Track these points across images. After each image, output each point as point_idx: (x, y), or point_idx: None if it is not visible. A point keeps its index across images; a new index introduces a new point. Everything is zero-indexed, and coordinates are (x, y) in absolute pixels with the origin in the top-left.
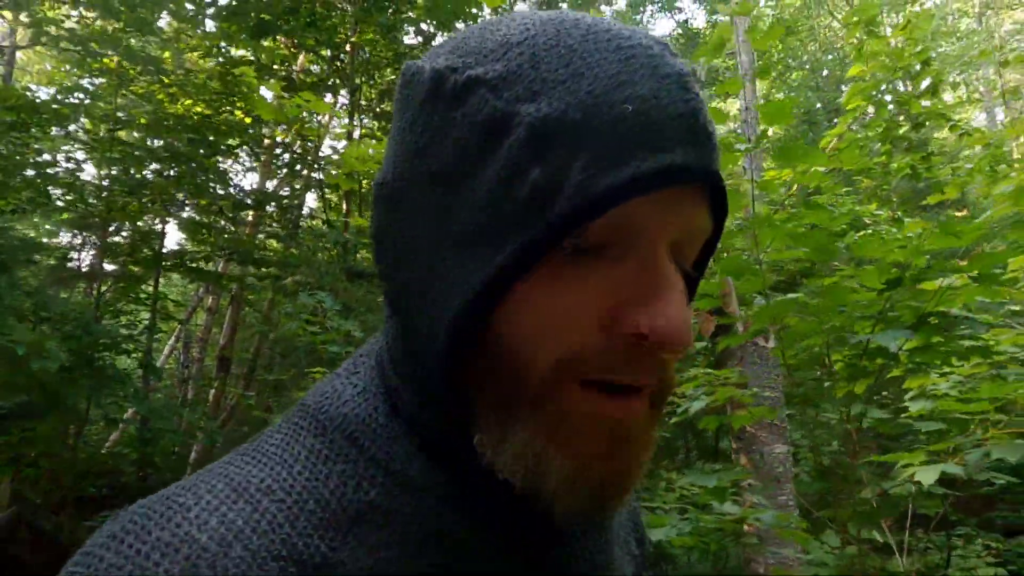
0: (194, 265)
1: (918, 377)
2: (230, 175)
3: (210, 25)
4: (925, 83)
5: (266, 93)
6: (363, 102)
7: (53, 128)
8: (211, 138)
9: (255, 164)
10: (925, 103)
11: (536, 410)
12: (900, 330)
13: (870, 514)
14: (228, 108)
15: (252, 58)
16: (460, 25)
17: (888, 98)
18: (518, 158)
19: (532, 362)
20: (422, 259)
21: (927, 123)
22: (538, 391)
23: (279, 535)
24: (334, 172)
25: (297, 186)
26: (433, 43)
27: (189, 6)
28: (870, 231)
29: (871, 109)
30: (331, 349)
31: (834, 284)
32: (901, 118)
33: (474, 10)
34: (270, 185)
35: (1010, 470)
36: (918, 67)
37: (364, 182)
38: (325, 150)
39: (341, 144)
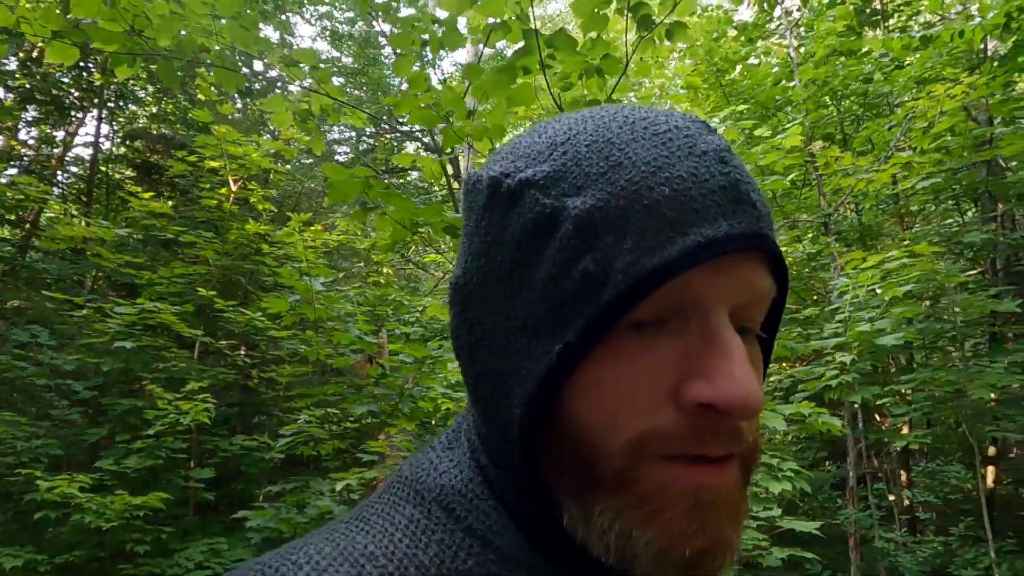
0: None
1: None
2: None
3: None
4: None
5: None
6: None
7: None
8: None
9: None
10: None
11: (617, 491)
12: None
13: None
14: None
15: None
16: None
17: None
18: (569, 249)
19: (604, 444)
20: (492, 353)
21: None
22: (615, 473)
23: None
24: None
25: (29, 184)
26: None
27: None
28: None
29: None
30: (38, 382)
31: None
32: None
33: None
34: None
35: None
36: None
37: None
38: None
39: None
